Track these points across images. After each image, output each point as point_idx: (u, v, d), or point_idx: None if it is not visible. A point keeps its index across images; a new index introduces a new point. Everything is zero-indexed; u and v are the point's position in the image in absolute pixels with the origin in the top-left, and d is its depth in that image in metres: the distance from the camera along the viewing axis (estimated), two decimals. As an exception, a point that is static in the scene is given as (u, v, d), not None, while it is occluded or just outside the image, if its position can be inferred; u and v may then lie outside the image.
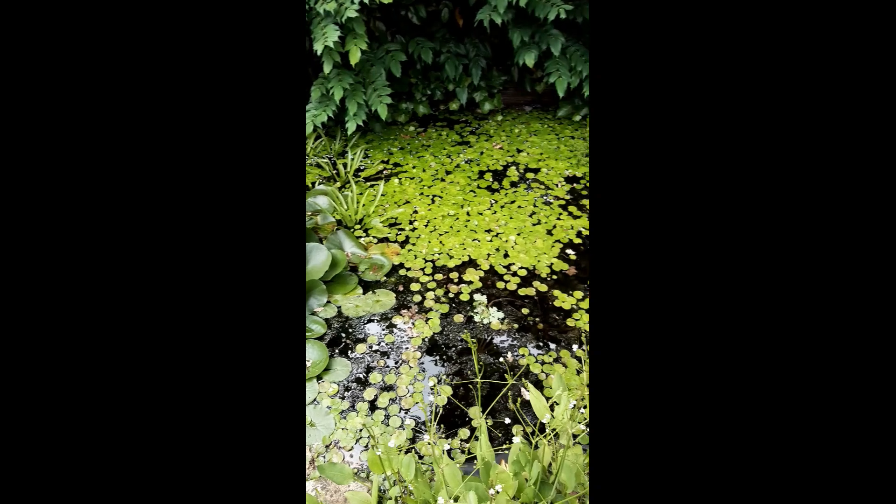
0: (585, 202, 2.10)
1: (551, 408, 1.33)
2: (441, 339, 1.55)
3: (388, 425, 1.33)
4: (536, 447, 1.08)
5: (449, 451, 1.25)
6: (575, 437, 1.11)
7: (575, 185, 2.22)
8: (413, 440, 1.29)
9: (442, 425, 1.32)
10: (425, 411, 1.35)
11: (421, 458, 1.24)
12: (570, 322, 1.58)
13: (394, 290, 1.72)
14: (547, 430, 0.99)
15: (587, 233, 1.95)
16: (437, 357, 1.50)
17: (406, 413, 1.35)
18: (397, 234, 1.96)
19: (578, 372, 1.43)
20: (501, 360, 1.48)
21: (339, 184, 2.25)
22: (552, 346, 1.52)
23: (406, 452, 1.25)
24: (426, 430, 1.30)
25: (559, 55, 2.35)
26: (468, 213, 2.05)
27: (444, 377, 1.43)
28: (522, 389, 1.39)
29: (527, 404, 1.34)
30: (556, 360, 1.47)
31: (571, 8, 2.14)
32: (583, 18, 2.33)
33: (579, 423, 1.07)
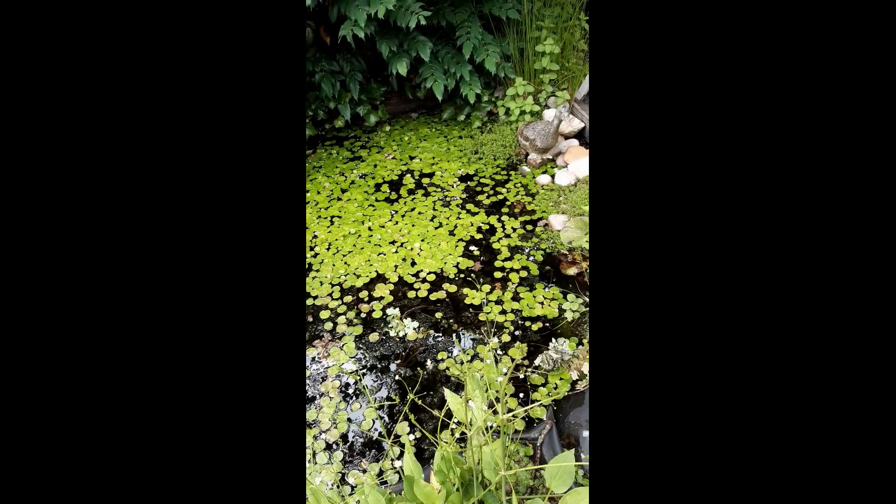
0: (481, 198, 2.17)
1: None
2: (357, 363, 1.52)
3: (316, 462, 1.28)
4: (461, 451, 1.10)
5: (381, 474, 1.23)
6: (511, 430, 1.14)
7: (469, 182, 2.28)
8: (343, 473, 1.25)
9: (373, 449, 1.30)
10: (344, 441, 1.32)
11: (353, 488, 1.21)
12: (481, 317, 1.62)
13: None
14: (469, 430, 1.01)
15: (486, 227, 2.01)
16: (358, 381, 1.47)
17: (336, 446, 1.31)
18: (299, 264, 1.89)
19: (496, 362, 1.47)
20: (422, 369, 1.48)
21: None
22: (468, 344, 1.54)
23: (340, 485, 1.21)
24: (354, 460, 1.27)
25: (431, 60, 2.40)
26: (370, 229, 2.03)
27: (368, 400, 1.41)
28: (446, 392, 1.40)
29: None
30: (474, 357, 1.50)
31: (430, 13, 2.19)
32: (446, 22, 2.40)
33: (505, 414, 1.10)
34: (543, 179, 2.22)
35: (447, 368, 1.46)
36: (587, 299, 1.60)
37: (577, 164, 2.20)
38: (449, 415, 1.32)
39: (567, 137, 2.40)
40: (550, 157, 2.35)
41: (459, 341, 1.55)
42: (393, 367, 1.49)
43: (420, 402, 1.29)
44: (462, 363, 1.48)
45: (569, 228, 1.69)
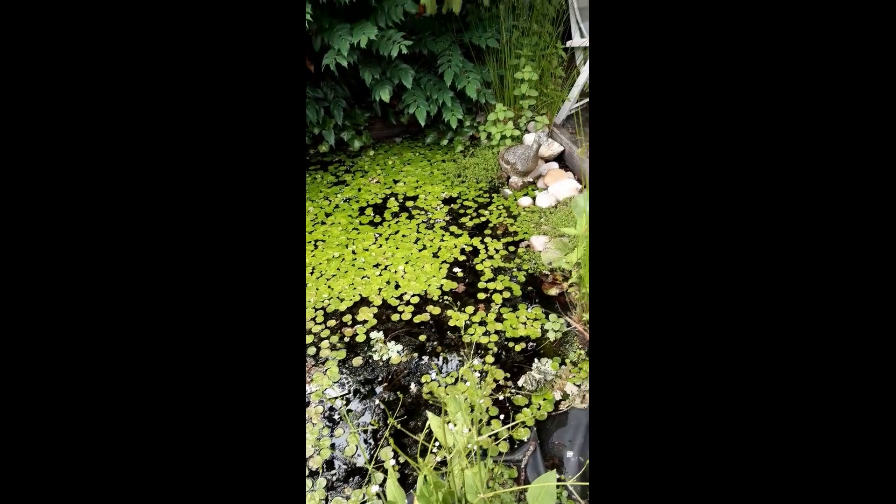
0: (465, 220, 2.20)
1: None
2: (341, 387, 1.51)
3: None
4: (444, 474, 1.09)
5: (365, 501, 1.22)
6: (486, 451, 1.14)
7: (452, 205, 2.31)
8: (327, 500, 1.24)
9: (357, 475, 1.28)
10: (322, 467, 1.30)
11: (337, 517, 1.19)
12: (465, 338, 1.63)
13: (286, 347, 1.65)
14: (450, 454, 1.01)
15: (470, 249, 2.03)
16: (341, 406, 1.46)
17: (320, 472, 1.29)
18: (283, 289, 1.89)
19: (480, 384, 1.47)
20: (407, 392, 1.47)
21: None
22: (452, 365, 1.55)
23: (322, 516, 1.19)
24: (338, 488, 1.26)
25: (413, 87, 2.46)
26: (354, 252, 2.04)
27: (351, 426, 1.40)
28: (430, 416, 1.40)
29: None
30: (458, 379, 1.50)
31: (412, 43, 2.26)
32: (427, 50, 2.47)
33: (489, 435, 1.10)
34: (525, 201, 2.27)
35: (430, 392, 1.46)
36: (568, 319, 1.62)
37: (556, 187, 2.25)
38: (432, 438, 1.32)
39: (547, 161, 2.46)
40: (531, 180, 2.40)
41: (444, 364, 1.56)
42: (377, 390, 1.49)
43: (400, 427, 1.29)
44: (446, 386, 1.48)
45: (549, 249, 1.72)
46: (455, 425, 1.04)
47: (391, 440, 1.32)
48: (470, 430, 1.04)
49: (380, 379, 1.52)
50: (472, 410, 1.39)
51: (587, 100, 2.81)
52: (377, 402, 1.45)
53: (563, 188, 2.22)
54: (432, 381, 1.50)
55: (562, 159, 2.50)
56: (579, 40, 2.48)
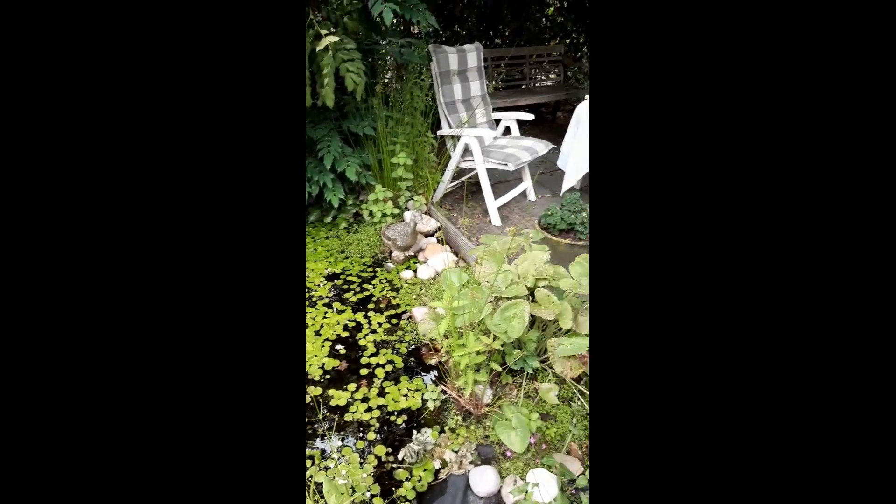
0: (348, 295, 2.25)
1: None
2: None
3: None
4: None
5: None
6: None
7: (336, 281, 2.36)
8: None
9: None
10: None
11: None
12: (347, 417, 1.63)
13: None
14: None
15: (353, 324, 2.07)
16: None
17: None
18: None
19: (361, 464, 1.47)
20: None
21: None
22: (334, 446, 1.53)
23: None
24: None
25: (294, 169, 2.54)
26: (230, 337, 1.96)
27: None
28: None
29: (316, 519, 1.30)
30: (340, 458, 1.49)
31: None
32: (307, 137, 2.60)
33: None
34: (407, 274, 2.39)
35: (310, 476, 1.42)
36: (444, 387, 1.71)
37: (435, 259, 2.42)
38: (312, 529, 1.27)
39: (426, 235, 2.65)
40: (412, 254, 2.55)
41: (326, 446, 1.53)
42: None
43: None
44: (326, 469, 1.45)
45: (425, 320, 1.83)
46: (328, 510, 1.03)
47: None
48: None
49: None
50: (354, 492, 1.38)
51: (460, 180, 3.12)
52: None
53: (440, 261, 2.40)
54: (312, 465, 1.46)
55: (439, 234, 2.71)
56: (447, 130, 2.81)
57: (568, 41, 5.14)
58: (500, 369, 1.61)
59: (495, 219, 2.71)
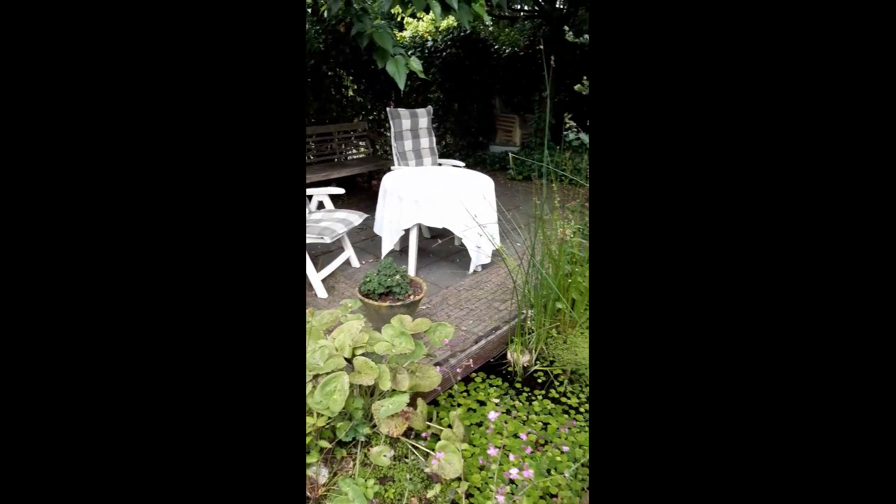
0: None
1: None
2: None
3: None
4: None
5: None
6: None
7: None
8: None
9: None
10: None
11: None
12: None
13: None
14: None
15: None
16: None
17: None
18: None
19: None
20: None
21: None
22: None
23: None
24: None
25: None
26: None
27: None
28: None
29: None
30: None
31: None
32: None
33: None
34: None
35: None
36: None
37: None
38: None
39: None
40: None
41: None
42: None
43: None
44: None
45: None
46: None
47: None
48: None
49: None
50: None
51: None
52: None
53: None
54: None
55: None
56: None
57: (371, 118, 5.63)
58: (331, 445, 1.62)
59: (320, 291, 2.74)
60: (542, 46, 5.16)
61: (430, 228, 3.69)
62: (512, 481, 1.59)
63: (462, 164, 3.90)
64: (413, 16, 6.09)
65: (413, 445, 1.69)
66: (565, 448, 1.70)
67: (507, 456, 1.67)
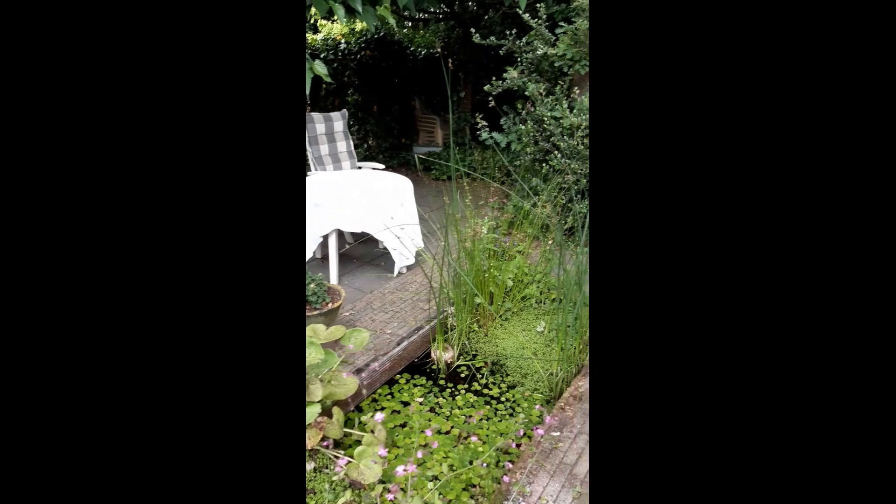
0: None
1: None
2: None
3: None
4: None
5: None
6: None
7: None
8: None
9: None
10: None
11: None
12: None
13: None
14: None
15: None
16: None
17: None
18: None
19: None
20: None
21: None
22: None
23: None
24: None
25: None
26: None
27: None
28: None
29: None
30: None
31: None
32: None
33: None
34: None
35: None
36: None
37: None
38: None
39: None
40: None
41: None
42: None
43: None
44: None
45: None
46: None
47: None
48: None
49: None
50: None
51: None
52: None
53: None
54: None
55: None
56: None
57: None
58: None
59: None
60: (456, 47, 5.25)
61: (352, 234, 3.65)
62: (435, 477, 1.61)
63: (382, 166, 3.89)
64: (327, 18, 5.98)
65: (334, 455, 1.66)
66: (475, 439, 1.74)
67: (431, 454, 1.70)
